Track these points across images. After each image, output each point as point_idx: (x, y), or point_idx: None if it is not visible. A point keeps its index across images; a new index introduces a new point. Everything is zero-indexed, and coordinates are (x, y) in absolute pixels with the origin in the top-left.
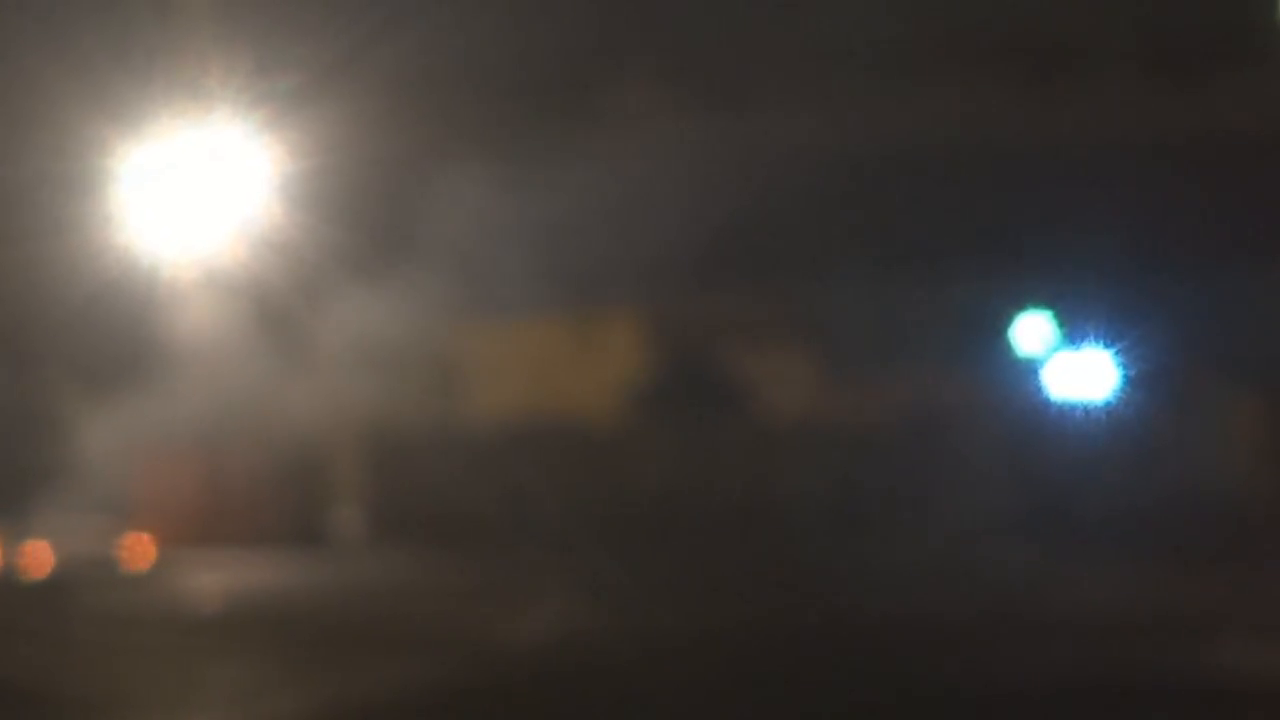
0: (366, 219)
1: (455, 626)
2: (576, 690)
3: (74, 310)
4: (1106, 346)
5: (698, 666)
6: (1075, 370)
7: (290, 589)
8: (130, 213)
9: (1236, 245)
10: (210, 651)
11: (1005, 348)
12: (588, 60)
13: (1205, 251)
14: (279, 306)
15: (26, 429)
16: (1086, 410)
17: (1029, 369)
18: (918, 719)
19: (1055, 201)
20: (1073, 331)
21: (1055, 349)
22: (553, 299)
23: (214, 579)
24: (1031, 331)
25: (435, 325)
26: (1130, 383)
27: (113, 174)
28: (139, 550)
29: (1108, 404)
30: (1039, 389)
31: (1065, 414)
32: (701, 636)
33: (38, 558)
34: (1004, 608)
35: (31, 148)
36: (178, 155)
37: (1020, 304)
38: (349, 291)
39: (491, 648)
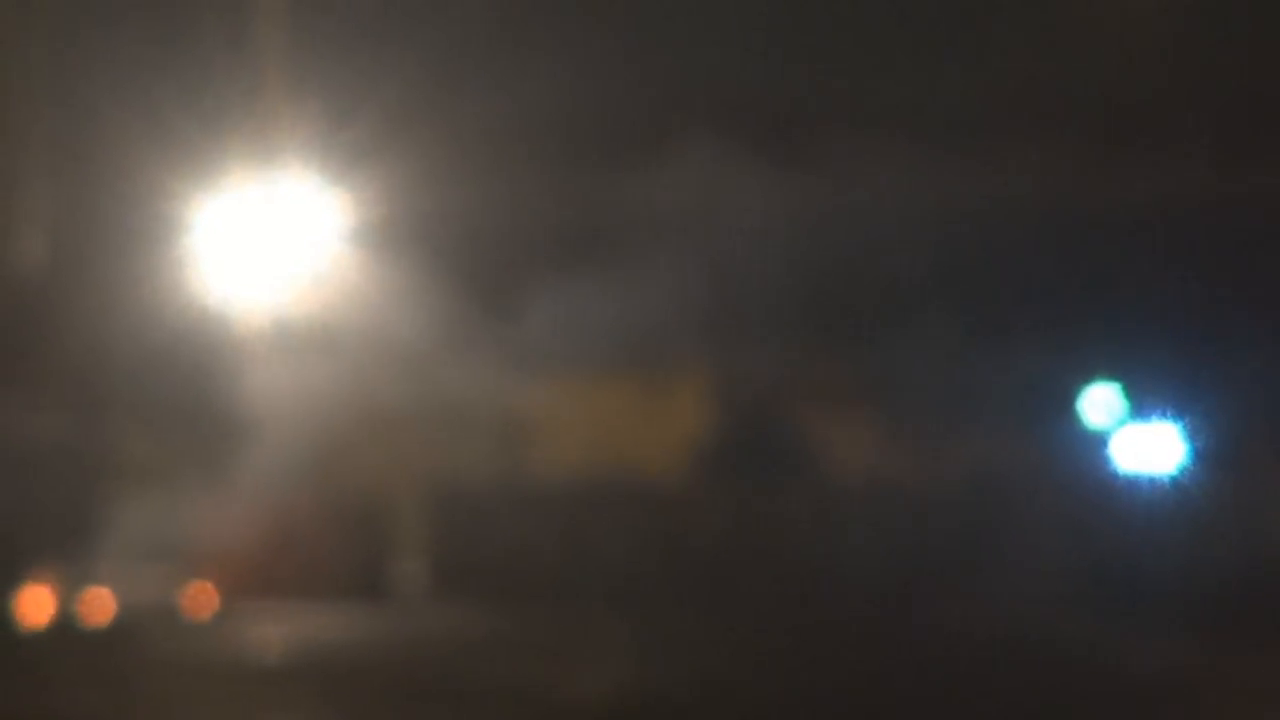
0: (435, 271)
1: (517, 682)
2: None
3: (143, 358)
4: (1174, 419)
5: None
6: (1142, 443)
7: (352, 642)
8: (201, 262)
9: None
10: (271, 702)
11: (1072, 419)
12: (654, 113)
13: (1276, 325)
14: (346, 357)
15: (92, 475)
16: (1153, 484)
17: (1096, 440)
18: None
19: (1126, 272)
20: (1140, 404)
21: (1122, 421)
22: (619, 356)
23: (276, 630)
24: (1099, 403)
25: (502, 380)
26: (1197, 456)
27: (185, 223)
28: (201, 599)
29: (1174, 478)
30: (1105, 461)
31: (1131, 487)
32: (763, 695)
33: (100, 605)
34: (1064, 676)
35: (106, 197)
36: (250, 205)
37: (1088, 375)
38: (416, 343)
39: (553, 704)
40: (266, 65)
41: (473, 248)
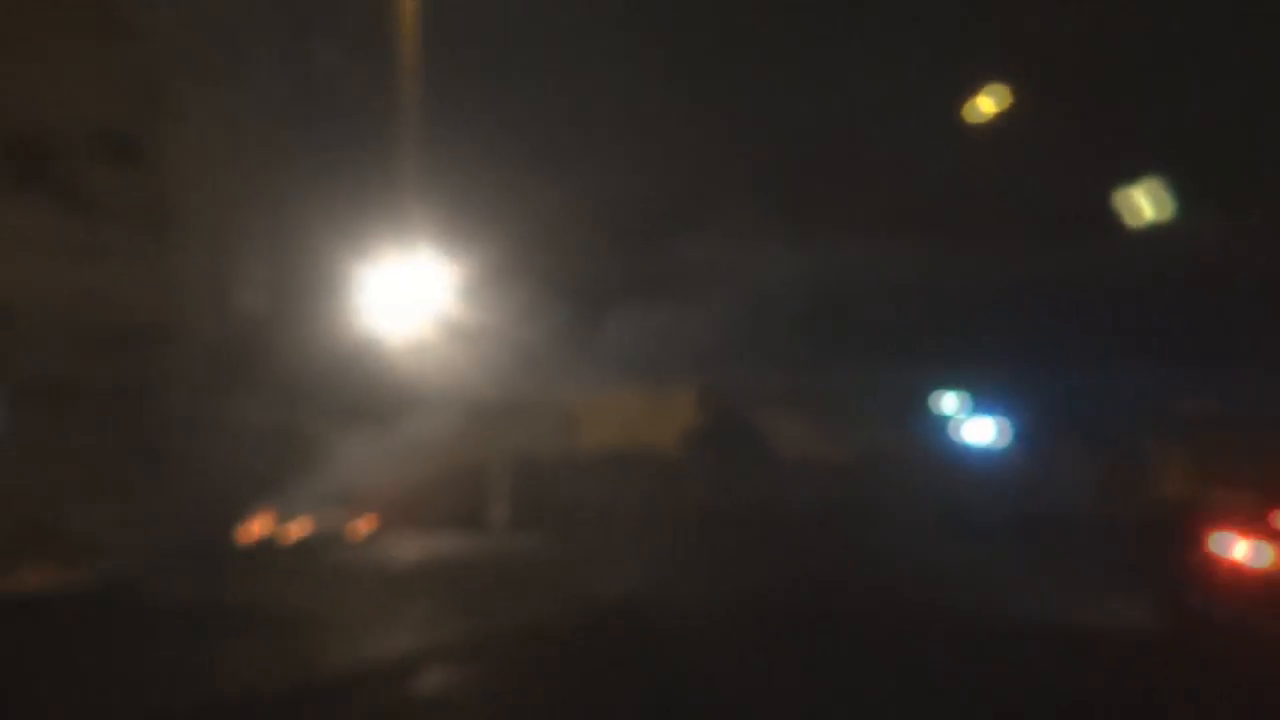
0: (517, 315)
1: (568, 581)
2: (651, 625)
3: (328, 370)
4: (996, 413)
5: (732, 612)
6: (976, 427)
7: (459, 554)
8: (364, 306)
9: (1084, 353)
10: (404, 592)
11: (932, 411)
12: (672, 202)
13: (1063, 356)
14: (460, 372)
15: (296, 445)
16: (984, 453)
17: (947, 425)
18: (871, 629)
19: (970, 324)
20: (976, 402)
21: (965, 413)
22: (638, 373)
23: (410, 547)
24: (949, 402)
25: (560, 388)
26: (1014, 437)
27: (354, 279)
28: (363, 526)
29: (997, 450)
30: (953, 438)
31: (970, 455)
32: (734, 594)
33: (299, 528)
34: (924, 573)
35: (302, 262)
36: (396, 267)
37: (943, 385)
38: (505, 362)
39: (592, 595)
40: (405, 173)
41: (541, 300)
